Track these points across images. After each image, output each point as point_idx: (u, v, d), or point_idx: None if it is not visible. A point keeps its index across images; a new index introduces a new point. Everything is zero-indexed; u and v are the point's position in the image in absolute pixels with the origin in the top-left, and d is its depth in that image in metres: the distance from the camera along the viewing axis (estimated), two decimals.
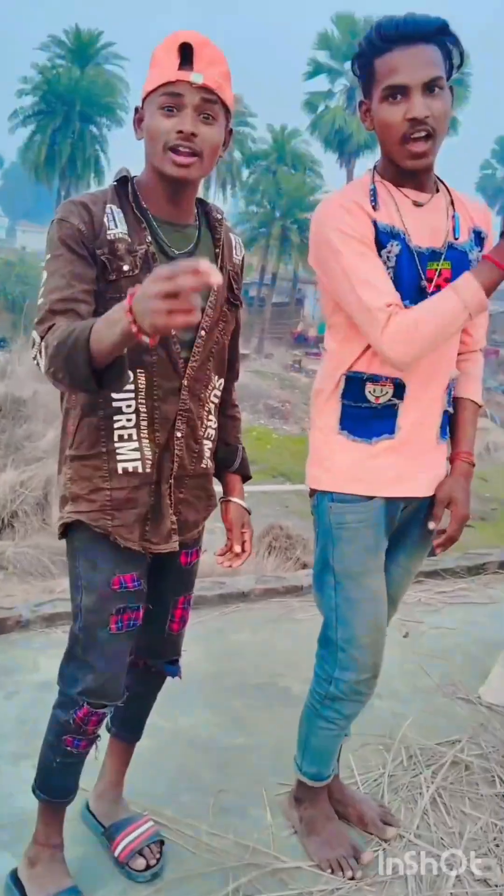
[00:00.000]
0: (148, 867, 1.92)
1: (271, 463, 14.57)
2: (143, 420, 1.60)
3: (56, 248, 1.50)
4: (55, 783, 1.78)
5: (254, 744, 2.50)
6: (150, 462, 1.62)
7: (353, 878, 1.94)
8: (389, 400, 1.75)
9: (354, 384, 1.76)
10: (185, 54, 1.46)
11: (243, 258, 1.78)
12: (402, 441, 1.77)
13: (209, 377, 1.69)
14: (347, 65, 30.13)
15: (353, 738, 2.32)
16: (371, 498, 1.80)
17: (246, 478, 1.94)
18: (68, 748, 1.72)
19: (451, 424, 1.92)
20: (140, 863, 1.92)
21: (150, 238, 1.55)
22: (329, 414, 1.82)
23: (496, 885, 2.00)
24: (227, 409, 1.89)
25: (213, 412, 1.75)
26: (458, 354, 1.88)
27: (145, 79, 1.53)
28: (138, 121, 1.57)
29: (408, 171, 1.67)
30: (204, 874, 1.97)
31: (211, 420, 1.74)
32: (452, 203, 1.76)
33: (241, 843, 2.07)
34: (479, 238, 1.78)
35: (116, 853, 1.95)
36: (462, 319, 1.62)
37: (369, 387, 1.75)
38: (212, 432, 1.76)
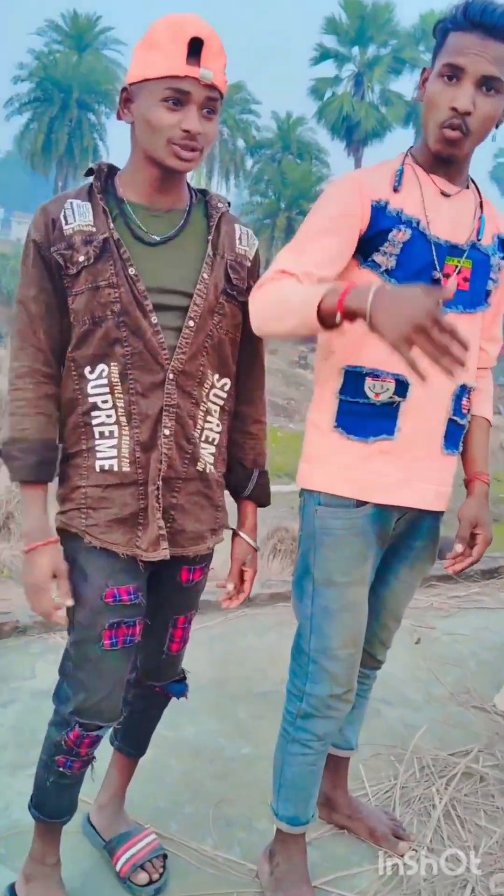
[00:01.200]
0: (150, 882, 1.91)
1: (276, 463, 14.55)
2: (121, 416, 1.57)
3: (23, 268, 1.60)
4: (49, 803, 1.76)
5: (259, 754, 2.49)
6: (127, 461, 1.58)
7: None
8: (390, 398, 1.69)
9: (353, 379, 1.71)
10: (195, 48, 1.44)
11: (257, 252, 1.71)
12: (402, 444, 1.71)
13: (204, 374, 1.62)
14: (355, 50, 29.86)
15: (363, 748, 2.32)
16: (362, 504, 1.74)
17: (262, 505, 1.84)
18: (61, 769, 1.71)
19: (464, 442, 1.89)
20: (142, 877, 1.92)
21: (112, 225, 1.53)
22: (325, 410, 1.77)
23: None
24: (247, 425, 1.80)
25: (213, 413, 1.66)
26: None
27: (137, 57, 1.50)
28: (125, 101, 1.53)
29: (438, 156, 1.66)
30: (209, 891, 1.96)
31: (210, 422, 1.66)
32: (481, 205, 1.74)
33: (249, 856, 2.07)
34: (502, 244, 1.78)
35: (118, 867, 1.94)
36: (298, 316, 1.47)
37: (369, 382, 1.70)
38: (213, 435, 1.67)
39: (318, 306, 1.42)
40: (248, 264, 1.67)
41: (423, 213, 1.66)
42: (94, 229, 1.53)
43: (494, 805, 2.35)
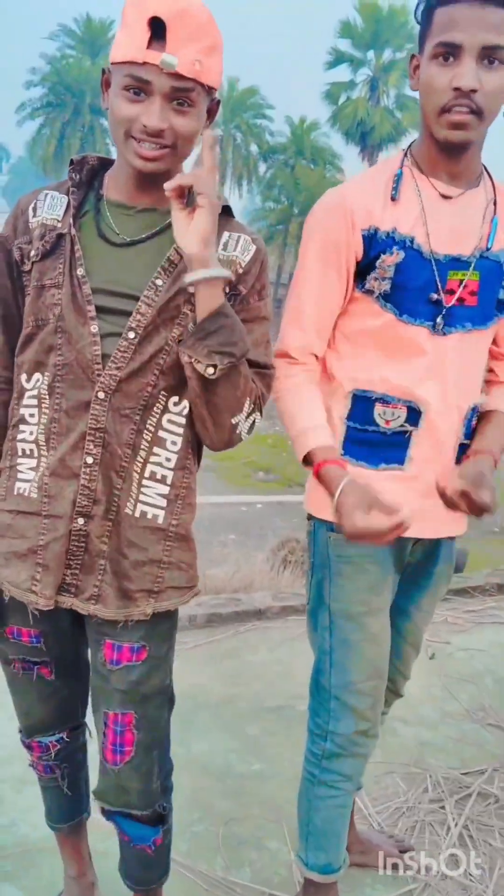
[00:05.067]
0: None
1: (286, 472, 14.50)
2: (41, 434, 1.41)
3: None
4: (45, 803, 1.81)
5: (271, 771, 2.47)
6: (36, 487, 1.41)
7: None
8: (402, 426, 1.62)
9: (362, 404, 1.63)
10: (157, 29, 1.24)
11: (253, 260, 1.42)
12: (412, 475, 1.64)
13: (151, 397, 1.38)
14: (371, 54, 29.73)
15: (374, 766, 2.30)
16: None
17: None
18: (32, 766, 1.75)
19: (471, 433, 1.71)
20: None
21: (73, 221, 1.37)
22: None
23: None
24: None
25: (165, 445, 1.41)
26: (488, 383, 1.75)
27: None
28: (106, 85, 1.35)
29: (444, 148, 1.50)
30: None
31: (158, 455, 1.41)
32: (496, 203, 1.58)
33: (259, 878, 2.05)
34: None
35: None
36: (293, 442, 1.64)
37: (379, 408, 1.61)
38: (162, 472, 1.42)
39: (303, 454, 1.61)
40: (239, 271, 1.39)
41: (421, 226, 1.53)
42: (58, 224, 1.39)
43: None
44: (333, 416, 1.66)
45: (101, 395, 1.35)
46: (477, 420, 1.72)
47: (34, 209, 1.42)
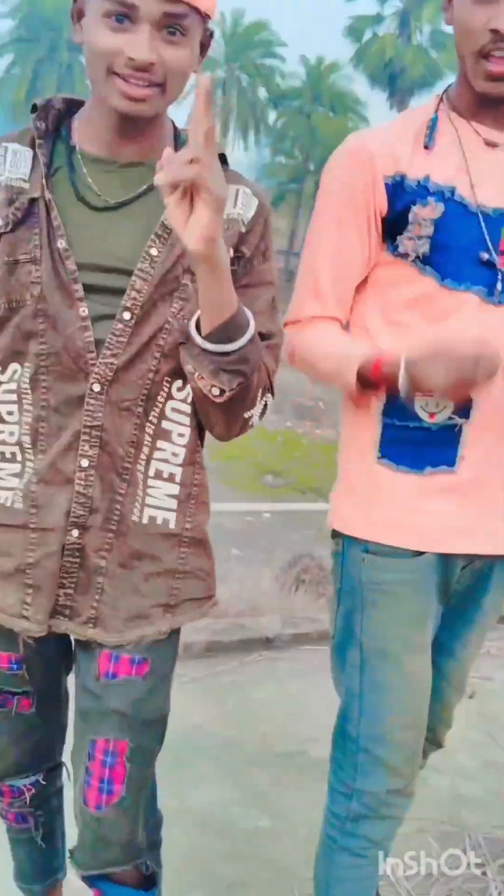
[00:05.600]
0: None
1: (300, 475, 14.38)
2: (25, 434, 1.40)
3: None
4: (14, 861, 1.83)
5: (279, 827, 2.48)
6: (21, 495, 1.41)
7: None
8: (449, 418, 1.56)
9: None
10: None
11: (257, 215, 1.40)
12: (467, 477, 1.59)
13: (154, 384, 1.38)
14: None
15: (405, 822, 2.30)
16: (421, 552, 1.62)
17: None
18: (1, 816, 1.76)
19: None
20: None
21: (47, 182, 1.34)
22: (364, 432, 1.64)
23: None
24: None
25: (169, 438, 1.42)
26: None
27: None
28: (78, 14, 1.31)
29: (485, 98, 1.52)
30: None
31: (163, 450, 1.42)
32: None
33: None
34: None
35: None
36: (341, 385, 1.60)
37: (420, 399, 1.53)
38: (172, 470, 1.43)
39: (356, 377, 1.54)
40: (241, 230, 1.38)
41: (464, 176, 1.53)
42: (26, 185, 1.35)
43: None
44: (365, 410, 1.63)
45: (97, 387, 1.34)
46: None
47: None
